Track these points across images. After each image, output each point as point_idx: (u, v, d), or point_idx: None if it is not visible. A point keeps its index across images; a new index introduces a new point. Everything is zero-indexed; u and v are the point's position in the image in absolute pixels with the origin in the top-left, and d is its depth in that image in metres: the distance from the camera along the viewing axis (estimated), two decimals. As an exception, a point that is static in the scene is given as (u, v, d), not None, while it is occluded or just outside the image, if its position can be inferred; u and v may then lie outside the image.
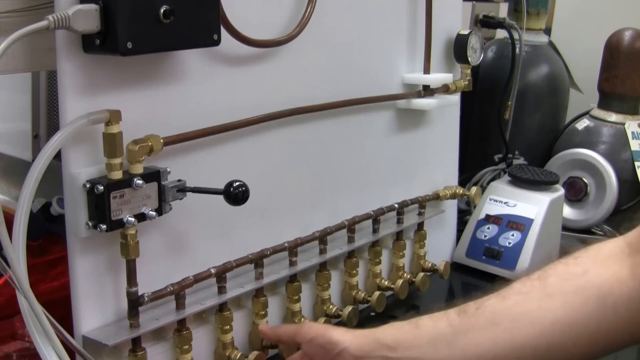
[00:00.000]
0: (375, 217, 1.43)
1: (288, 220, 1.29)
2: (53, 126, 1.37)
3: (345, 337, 1.03)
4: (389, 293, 1.49)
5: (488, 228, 1.71)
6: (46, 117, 1.36)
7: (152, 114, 1.03)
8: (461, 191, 1.66)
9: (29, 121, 1.36)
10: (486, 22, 2.02)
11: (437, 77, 1.52)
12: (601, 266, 0.92)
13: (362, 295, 1.42)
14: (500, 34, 2.15)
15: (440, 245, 1.72)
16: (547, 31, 2.32)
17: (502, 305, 0.95)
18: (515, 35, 1.94)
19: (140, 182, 0.97)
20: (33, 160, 0.90)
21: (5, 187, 1.43)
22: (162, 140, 1.00)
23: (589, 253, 0.95)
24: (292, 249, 1.26)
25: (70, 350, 0.93)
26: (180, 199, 1.04)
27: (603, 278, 0.91)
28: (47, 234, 1.25)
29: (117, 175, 0.95)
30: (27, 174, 0.89)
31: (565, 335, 0.90)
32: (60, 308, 1.00)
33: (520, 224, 1.67)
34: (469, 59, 1.58)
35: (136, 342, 1.04)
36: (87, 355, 0.93)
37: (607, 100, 2.14)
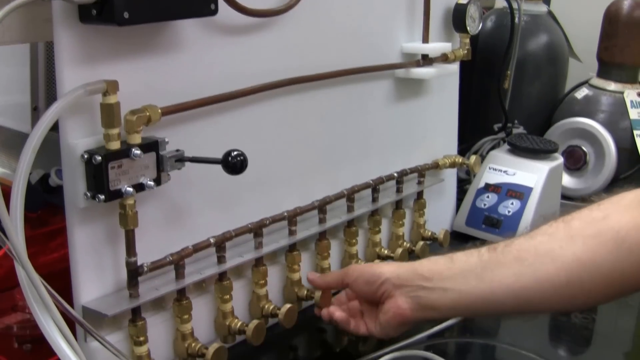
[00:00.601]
0: (375, 186, 1.43)
1: (287, 190, 1.30)
2: (52, 98, 1.37)
3: (387, 269, 1.16)
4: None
5: (487, 197, 1.71)
6: (45, 89, 1.36)
7: (150, 84, 1.02)
8: (460, 160, 1.66)
9: (28, 94, 1.37)
10: (485, -9, 2.01)
11: (435, 47, 1.52)
12: (621, 212, 0.98)
13: (363, 264, 1.42)
14: (499, 3, 2.15)
15: (440, 214, 1.73)
16: (547, 0, 2.31)
17: (528, 244, 1.04)
18: (514, 5, 1.93)
19: (138, 152, 0.96)
20: (32, 132, 0.90)
21: (5, 159, 1.43)
22: (159, 111, 1.00)
23: (612, 200, 1.01)
24: (292, 218, 1.26)
25: (70, 321, 0.93)
26: (179, 169, 1.04)
27: (621, 223, 0.97)
28: (46, 206, 1.26)
29: (115, 145, 0.95)
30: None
31: (583, 273, 0.98)
32: (61, 280, 1.00)
33: (519, 193, 1.67)
34: (468, 28, 1.57)
35: (136, 312, 1.05)
36: (86, 325, 0.94)
37: (606, 69, 2.14)
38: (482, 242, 1.12)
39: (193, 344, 1.12)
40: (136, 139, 0.97)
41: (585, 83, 2.18)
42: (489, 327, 1.38)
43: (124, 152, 0.96)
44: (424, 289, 1.10)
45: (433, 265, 1.12)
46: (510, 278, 1.03)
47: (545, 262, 1.00)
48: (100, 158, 0.93)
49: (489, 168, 1.75)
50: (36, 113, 1.37)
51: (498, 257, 1.05)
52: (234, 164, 1.01)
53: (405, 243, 1.55)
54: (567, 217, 1.03)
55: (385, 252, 1.48)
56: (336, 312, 1.22)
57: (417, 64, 1.49)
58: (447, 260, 1.11)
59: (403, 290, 1.12)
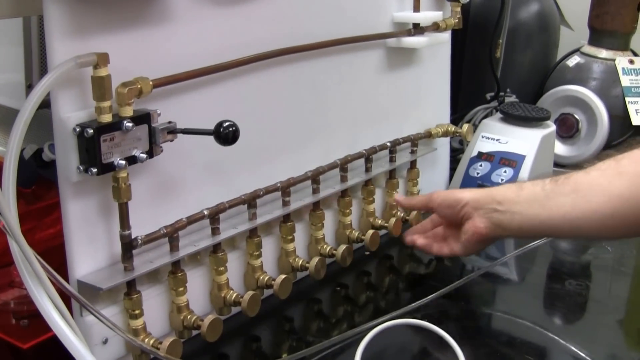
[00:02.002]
0: (368, 156, 1.43)
1: (280, 161, 1.29)
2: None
3: (466, 194, 1.31)
4: (382, 231, 1.50)
5: (480, 165, 1.71)
6: (39, 66, 1.36)
7: (141, 57, 1.02)
8: (453, 129, 1.66)
9: (22, 71, 1.37)
10: (475, -40, 2.01)
11: (427, 15, 1.52)
12: None
13: (356, 234, 1.43)
14: (490, -29, 2.14)
15: (434, 183, 1.73)
16: (537, -32, 2.31)
17: (584, 178, 1.16)
18: (505, -27, 1.93)
19: (130, 124, 0.96)
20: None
21: (1, 137, 1.43)
22: (151, 83, 1.00)
23: None
24: (285, 189, 1.26)
25: (66, 295, 0.93)
26: (171, 141, 1.04)
27: None
28: (40, 181, 1.26)
29: (107, 118, 0.95)
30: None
31: (626, 207, 1.10)
32: (58, 255, 1.00)
33: (512, 161, 1.68)
34: (459, -4, 1.58)
35: (131, 285, 1.05)
36: (81, 298, 0.94)
37: (598, 36, 2.14)
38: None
39: (189, 316, 1.12)
40: (128, 111, 0.97)
41: (576, 51, 2.18)
42: (483, 295, 1.39)
43: (116, 124, 0.95)
44: (496, 212, 1.24)
45: (506, 191, 1.26)
46: (566, 207, 1.16)
47: (596, 195, 1.13)
48: (92, 131, 0.92)
49: (482, 137, 1.75)
50: (30, 90, 1.38)
51: (559, 187, 1.18)
52: (226, 134, 1.01)
53: (399, 212, 1.55)
54: (619, 156, 1.14)
55: (379, 221, 1.49)
56: (419, 239, 1.41)
57: (409, 33, 1.49)
58: (517, 188, 1.25)
59: (480, 211, 1.26)
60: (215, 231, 1.15)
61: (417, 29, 1.50)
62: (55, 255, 0.98)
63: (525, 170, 1.66)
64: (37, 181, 1.26)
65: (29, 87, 1.36)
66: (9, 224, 0.86)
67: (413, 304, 1.29)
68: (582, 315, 1.35)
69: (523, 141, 1.70)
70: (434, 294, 1.32)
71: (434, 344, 1.19)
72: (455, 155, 1.87)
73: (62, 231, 1.00)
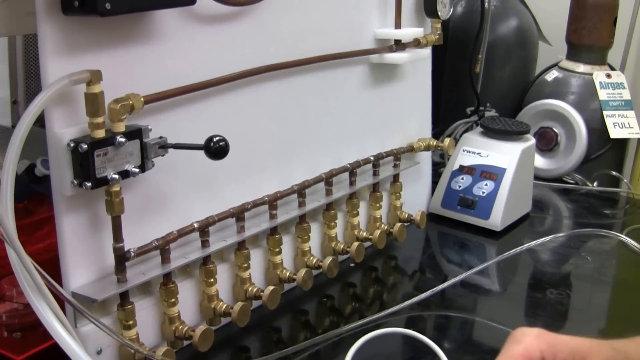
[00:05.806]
0: (352, 170, 1.45)
1: (267, 175, 1.32)
2: (31, 92, 1.38)
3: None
4: (367, 244, 1.52)
5: (462, 178, 1.74)
6: (24, 83, 1.37)
7: (132, 74, 1.04)
8: (435, 143, 1.68)
9: (7, 88, 1.38)
10: (455, -23, 2.04)
11: (408, 32, 1.54)
12: None
13: (342, 246, 1.45)
14: (469, -12, 2.17)
15: (416, 197, 1.76)
16: (515, -15, 2.35)
17: None
18: (484, -11, 1.96)
19: (123, 139, 0.98)
20: (13, 126, 0.91)
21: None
22: (142, 99, 1.02)
23: None
24: (272, 202, 1.28)
25: (60, 303, 0.95)
26: (162, 156, 1.06)
27: None
28: (32, 196, 1.27)
29: (100, 133, 0.97)
30: (6, 138, 0.90)
31: None
32: (47, 269, 1.02)
33: (493, 174, 1.70)
34: (439, 13, 1.60)
35: (124, 297, 1.06)
36: (78, 305, 0.95)
37: (575, 51, 2.17)
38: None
39: (180, 327, 1.14)
40: (120, 127, 0.99)
41: (555, 65, 2.22)
42: (467, 305, 1.41)
43: (109, 140, 0.98)
44: None
45: None
46: None
47: None
48: (86, 146, 0.94)
49: (463, 150, 1.77)
50: (16, 106, 1.39)
51: None
52: (216, 149, 1.03)
53: (382, 225, 1.57)
54: None
55: (364, 234, 1.51)
56: None
57: (390, 49, 1.52)
58: None
59: None
60: (205, 244, 1.17)
61: (399, 45, 1.53)
62: (44, 269, 1.00)
63: (506, 183, 1.68)
64: (30, 196, 1.27)
65: (14, 103, 1.38)
66: (8, 233, 0.88)
67: (394, 307, 1.31)
68: (563, 324, 1.37)
69: (503, 154, 1.72)
70: (412, 299, 1.35)
71: (420, 352, 1.21)
72: (437, 168, 1.90)
73: (50, 246, 1.02)
